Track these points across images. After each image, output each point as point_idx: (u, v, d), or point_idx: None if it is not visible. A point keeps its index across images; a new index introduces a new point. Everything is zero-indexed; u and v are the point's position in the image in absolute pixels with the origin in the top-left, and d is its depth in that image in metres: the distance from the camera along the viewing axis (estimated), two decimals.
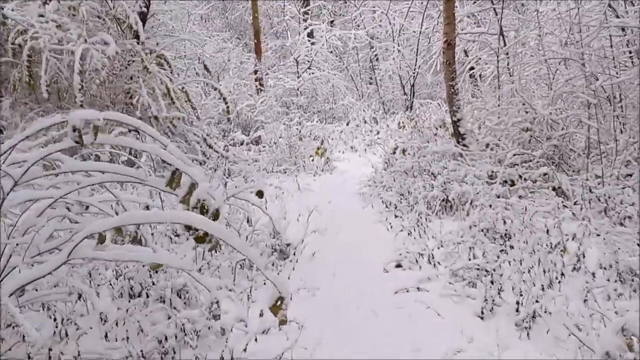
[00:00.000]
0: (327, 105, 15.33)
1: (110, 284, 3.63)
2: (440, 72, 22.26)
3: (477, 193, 5.89)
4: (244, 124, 14.10)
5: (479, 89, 17.48)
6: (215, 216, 2.80)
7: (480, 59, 11.89)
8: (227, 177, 8.62)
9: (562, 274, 3.83)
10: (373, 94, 18.73)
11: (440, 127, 9.71)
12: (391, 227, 5.79)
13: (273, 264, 4.62)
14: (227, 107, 9.78)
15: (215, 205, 2.80)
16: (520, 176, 6.74)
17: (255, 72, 15.42)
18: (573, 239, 4.50)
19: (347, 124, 14.70)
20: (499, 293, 3.66)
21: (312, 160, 10.29)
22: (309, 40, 15.44)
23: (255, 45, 15.56)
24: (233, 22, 20.89)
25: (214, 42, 15.81)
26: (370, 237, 5.62)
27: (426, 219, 5.88)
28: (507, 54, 9.80)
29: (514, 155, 6.83)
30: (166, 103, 9.34)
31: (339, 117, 15.84)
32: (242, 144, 11.99)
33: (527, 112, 7.75)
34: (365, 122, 13.01)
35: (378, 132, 12.79)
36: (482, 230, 5.05)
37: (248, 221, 5.35)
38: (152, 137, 2.87)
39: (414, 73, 18.25)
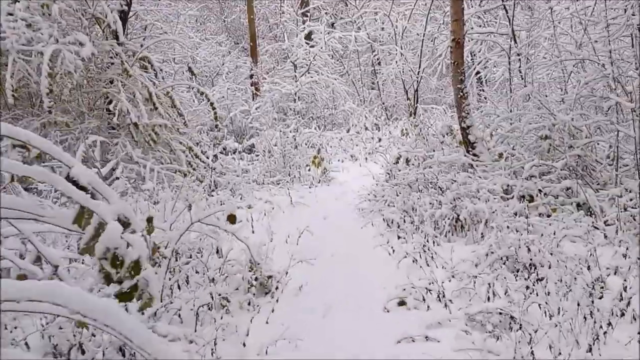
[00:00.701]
0: (326, 111, 14.58)
1: (26, 343, 2.84)
2: (446, 75, 21.54)
3: (494, 212, 5.09)
4: (238, 130, 13.35)
5: (484, 93, 16.74)
6: (134, 270, 2.00)
7: (488, 60, 11.12)
8: (212, 190, 7.85)
9: (610, 324, 3.02)
10: (375, 99, 17.97)
11: (447, 134, 8.91)
12: (393, 251, 4.99)
13: (249, 303, 3.82)
14: (215, 113, 9.02)
15: (133, 255, 2.00)
16: (540, 190, 5.95)
17: (251, 76, 14.68)
18: (615, 273, 3.70)
19: (348, 131, 13.94)
20: (531, 352, 2.85)
21: (309, 170, 9.51)
22: (307, 43, 14.71)
23: (251, 49, 14.83)
24: (230, 25, 20.19)
25: (207, 45, 15.08)
26: (369, 265, 4.82)
27: (434, 242, 5.08)
28: (519, 55, 9.04)
29: (533, 167, 6.03)
30: (148, 109, 8.59)
31: (339, 123, 15.08)
32: (234, 152, 11.24)
33: (542, 118, 6.98)
34: (367, 129, 12.24)
35: (380, 140, 12.03)
36: (502, 259, 4.26)
37: (218, 251, 4.56)
38: (50, 155, 2.07)
39: (417, 77, 17.50)
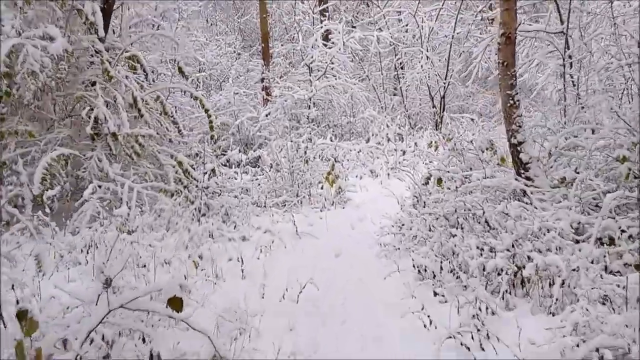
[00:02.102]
0: (344, 118, 13.17)
1: None
2: (475, 81, 20.02)
3: (574, 270, 3.62)
4: (245, 139, 12.03)
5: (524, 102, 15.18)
6: None
7: (531, 63, 9.61)
8: (203, 215, 6.49)
9: None
10: (397, 106, 16.51)
11: (487, 149, 7.44)
12: (431, 322, 3.55)
13: None
14: (211, 122, 7.68)
15: None
16: (623, 231, 4.46)
17: (262, 80, 13.37)
18: None
19: (367, 141, 12.51)
20: None
21: (321, 188, 8.11)
22: (324, 44, 13.36)
23: (263, 50, 13.54)
24: (244, 26, 18.94)
25: (215, 46, 13.83)
26: (395, 344, 3.40)
27: (487, 309, 3.63)
28: (570, 57, 7.56)
29: (615, 198, 4.54)
30: (132, 116, 7.30)
31: (358, 132, 13.65)
32: (239, 165, 9.90)
33: (615, 134, 5.49)
34: (389, 139, 10.81)
35: (404, 153, 10.57)
36: (597, 351, 2.81)
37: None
38: None
39: (444, 83, 16.01)
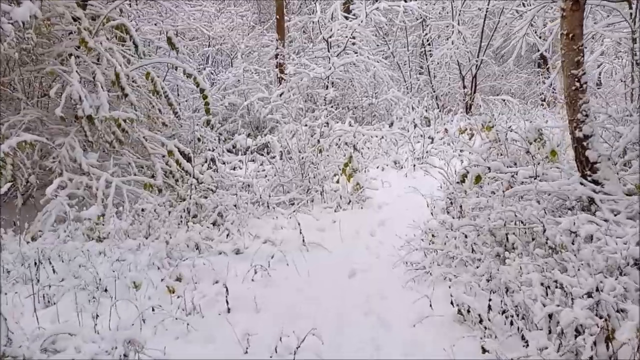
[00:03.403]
0: (365, 100, 11.93)
1: None
2: (507, 59, 18.45)
3: None
4: (255, 122, 10.91)
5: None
6: None
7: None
8: (194, 217, 5.42)
9: None
10: (424, 86, 15.18)
11: (535, 140, 6.19)
12: None
13: None
14: (207, 105, 6.54)
15: None
16: None
17: (277, 56, 12.17)
18: None
19: (390, 125, 11.28)
20: None
21: (337, 181, 6.97)
22: (344, 17, 12.06)
23: (277, 23, 12.30)
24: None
25: (225, 18, 12.63)
26: None
27: None
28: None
29: None
30: (115, 96, 6.23)
31: (381, 115, 12.42)
32: (245, 152, 8.81)
33: None
34: (415, 125, 9.55)
35: (432, 140, 9.33)
36: None
37: None
38: None
39: (476, 61, 14.59)
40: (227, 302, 3.62)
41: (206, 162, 6.99)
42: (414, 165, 8.24)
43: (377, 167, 8.35)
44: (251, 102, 10.35)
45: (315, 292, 3.97)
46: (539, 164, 5.76)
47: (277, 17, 12.22)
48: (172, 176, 6.18)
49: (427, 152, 8.58)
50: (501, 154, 6.33)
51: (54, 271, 4.11)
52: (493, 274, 3.50)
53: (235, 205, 5.56)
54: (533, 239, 4.06)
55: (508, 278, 3.33)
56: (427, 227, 4.93)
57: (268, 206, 5.68)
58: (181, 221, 5.33)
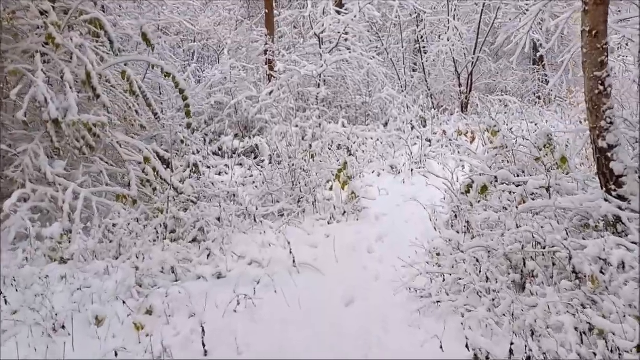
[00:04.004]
0: (358, 98, 11.40)
1: None
2: (505, 57, 17.99)
3: None
4: (244, 122, 10.36)
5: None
6: None
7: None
8: (172, 232, 4.88)
9: None
10: (418, 84, 14.68)
11: (544, 146, 5.71)
12: None
13: None
14: (187, 107, 5.98)
15: None
16: None
17: (266, 52, 11.59)
18: None
19: (386, 125, 10.77)
20: None
21: (331, 189, 6.46)
22: (337, 11, 11.50)
23: (266, 17, 11.72)
24: None
25: (211, 12, 12.04)
26: None
27: None
28: None
29: None
30: (86, 97, 5.66)
31: (375, 114, 11.90)
32: (232, 155, 8.28)
33: None
34: (413, 127, 9.04)
35: (429, 142, 8.83)
36: None
37: None
38: None
39: (472, 58, 14.11)
40: (203, 344, 3.09)
41: (188, 167, 6.45)
42: (412, 170, 7.74)
43: (373, 172, 7.84)
44: (239, 101, 9.79)
45: (307, 326, 3.46)
46: (548, 171, 5.30)
47: (266, 10, 11.64)
48: (149, 185, 5.63)
49: (425, 155, 8.08)
50: (508, 161, 5.86)
51: (5, 302, 3.57)
52: (516, 314, 2.99)
53: (218, 219, 5.03)
54: (554, 264, 3.58)
55: (534, 318, 2.83)
56: (432, 246, 4.44)
57: (255, 219, 5.14)
58: (157, 237, 4.80)
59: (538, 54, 14.63)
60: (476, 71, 15.18)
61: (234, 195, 5.75)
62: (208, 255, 4.32)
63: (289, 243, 4.40)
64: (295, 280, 4.12)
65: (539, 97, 17.32)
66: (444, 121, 11.63)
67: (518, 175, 5.68)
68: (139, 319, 3.31)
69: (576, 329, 2.71)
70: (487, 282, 3.48)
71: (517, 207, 4.28)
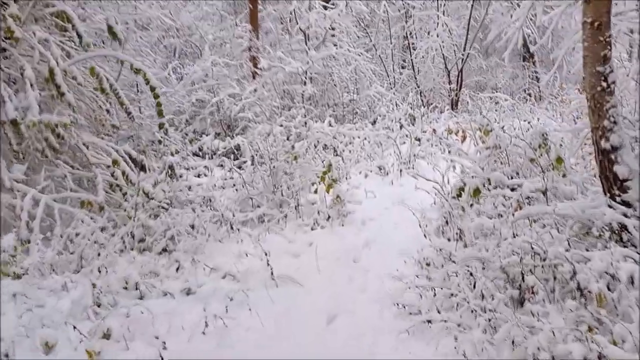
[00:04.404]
0: (346, 96, 11.05)
1: None
2: (495, 53, 17.71)
3: None
4: (227, 120, 9.97)
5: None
6: None
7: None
8: (140, 241, 4.50)
9: None
10: (407, 81, 14.35)
11: (539, 146, 5.40)
12: None
13: None
14: (159, 105, 5.58)
15: None
16: None
17: (250, 48, 11.20)
18: None
19: (374, 123, 10.44)
20: None
21: (315, 191, 6.11)
22: (324, 6, 11.14)
23: (250, 12, 11.33)
24: None
25: (194, 7, 11.62)
26: None
27: None
28: None
29: None
30: (49, 95, 5.25)
31: (363, 112, 11.56)
32: (212, 156, 7.91)
33: None
34: (402, 126, 8.70)
35: (419, 141, 8.49)
36: None
37: None
38: None
39: (462, 54, 13.82)
40: None
41: (164, 170, 6.06)
42: (401, 171, 7.41)
43: (360, 173, 7.50)
44: (221, 99, 9.40)
45: (283, 351, 3.10)
46: (542, 172, 5.01)
47: (250, 6, 11.25)
48: (119, 190, 5.25)
49: (414, 155, 7.75)
50: (501, 162, 5.54)
51: None
52: (517, 341, 2.66)
53: (192, 227, 4.66)
54: (555, 278, 3.25)
55: (537, 346, 2.50)
56: (421, 256, 4.11)
57: (232, 227, 4.77)
58: (125, 247, 4.42)
59: (532, 49, 14.34)
60: (466, 68, 14.89)
61: (210, 200, 5.37)
62: (177, 269, 3.95)
63: (266, 254, 4.04)
64: (273, 296, 3.76)
65: (529, 94, 17.11)
66: (434, 119, 11.31)
67: (512, 177, 5.39)
68: (93, 345, 2.94)
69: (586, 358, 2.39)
70: (482, 299, 3.15)
71: (513, 214, 3.95)
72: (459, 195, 5.09)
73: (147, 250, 4.38)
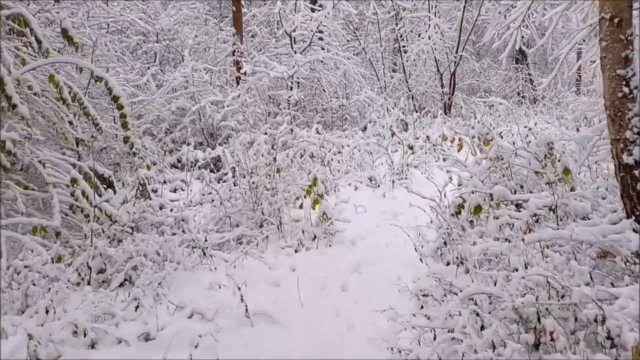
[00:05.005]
0: (335, 101, 10.56)
1: None
2: (489, 55, 17.30)
3: None
4: (210, 129, 9.43)
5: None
6: None
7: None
8: (99, 272, 3.96)
9: None
10: (399, 85, 13.89)
11: (545, 157, 4.92)
12: None
13: None
14: (124, 117, 5.00)
15: None
16: None
17: (234, 52, 10.68)
18: None
19: (364, 130, 9.96)
20: None
21: (301, 206, 5.60)
22: (312, 9, 10.66)
23: (233, 15, 10.81)
24: None
25: (174, 10, 11.08)
26: None
27: None
28: None
29: None
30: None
31: (353, 118, 11.08)
32: (192, 168, 7.36)
33: None
34: (393, 134, 8.19)
35: (411, 149, 7.99)
36: None
37: None
38: None
39: (455, 57, 13.37)
40: None
41: (135, 187, 5.53)
42: (393, 182, 6.91)
43: (350, 185, 6.99)
44: (203, 107, 8.87)
45: None
46: (550, 186, 4.55)
47: (234, 8, 10.73)
48: (81, 212, 4.70)
49: (407, 165, 7.25)
50: (503, 175, 5.05)
51: None
52: None
53: (158, 254, 4.12)
54: (576, 319, 2.76)
55: None
56: (418, 287, 3.60)
57: (204, 252, 4.23)
58: (82, 279, 3.88)
59: (530, 51, 13.89)
60: (459, 71, 14.47)
61: (183, 221, 4.83)
62: (136, 307, 3.41)
63: (239, 288, 3.51)
64: (247, 339, 3.24)
65: (523, 97, 16.70)
66: (427, 124, 10.85)
67: (516, 192, 4.92)
68: None
69: None
70: (492, 350, 2.64)
71: (523, 240, 3.45)
72: (458, 213, 4.60)
73: (106, 283, 3.84)
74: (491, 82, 16.51)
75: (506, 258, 3.48)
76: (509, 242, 3.52)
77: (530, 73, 17.77)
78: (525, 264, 3.18)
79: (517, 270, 3.16)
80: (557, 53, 6.82)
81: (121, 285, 3.82)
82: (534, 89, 17.31)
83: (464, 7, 12.75)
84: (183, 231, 4.74)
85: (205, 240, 4.31)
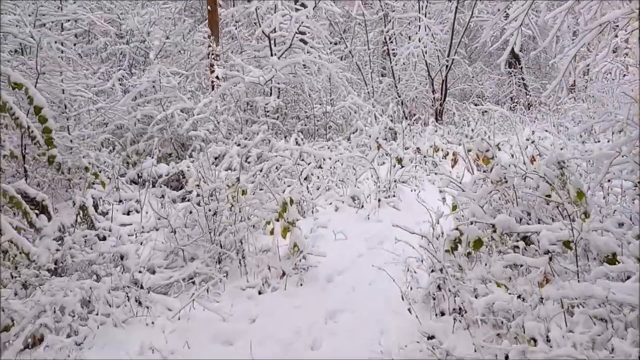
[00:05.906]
0: (318, 108, 9.76)
1: None
2: (476, 59, 16.58)
3: None
4: (180, 139, 8.59)
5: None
6: None
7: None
8: (13, 324, 3.11)
9: None
10: (388, 90, 13.11)
11: (557, 177, 4.15)
12: None
13: None
14: (47, 130, 4.09)
15: None
16: None
17: (209, 55, 9.85)
18: None
19: (348, 140, 9.15)
20: None
21: (271, 232, 4.78)
22: (296, 9, 9.86)
23: (209, 15, 9.98)
24: None
25: (144, 10, 10.24)
26: None
27: None
28: None
29: None
30: None
31: (338, 125, 10.30)
32: (153, 184, 6.52)
33: None
34: (379, 146, 7.37)
35: (400, 162, 7.18)
36: None
37: None
38: None
39: (447, 61, 12.64)
40: None
41: (75, 212, 4.70)
42: (379, 201, 6.11)
43: (330, 204, 6.18)
44: (171, 114, 8.02)
45: None
46: (565, 214, 3.83)
47: (209, 7, 9.90)
48: (16, 247, 3.85)
49: (395, 181, 6.45)
50: (506, 200, 4.28)
51: None
52: None
53: (82, 306, 3.29)
54: None
55: None
56: (405, 355, 2.79)
57: (139, 302, 3.39)
58: None
59: (529, 54, 13.20)
60: (451, 75, 13.74)
61: (123, 258, 3.99)
62: None
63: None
64: None
65: (517, 103, 16.02)
66: (418, 132, 10.08)
67: (521, 219, 4.15)
68: None
69: None
70: None
71: (541, 298, 2.66)
72: (455, 249, 3.82)
73: (6, 350, 3.00)
74: (484, 87, 15.81)
75: (517, 314, 2.69)
76: (521, 299, 2.72)
77: (524, 77, 17.10)
78: (547, 337, 2.38)
79: (534, 342, 2.37)
80: (563, 55, 6.06)
81: (24, 349, 2.98)
82: (527, 94, 16.66)
83: (456, 7, 12.02)
84: (123, 270, 3.91)
85: (141, 287, 3.46)
